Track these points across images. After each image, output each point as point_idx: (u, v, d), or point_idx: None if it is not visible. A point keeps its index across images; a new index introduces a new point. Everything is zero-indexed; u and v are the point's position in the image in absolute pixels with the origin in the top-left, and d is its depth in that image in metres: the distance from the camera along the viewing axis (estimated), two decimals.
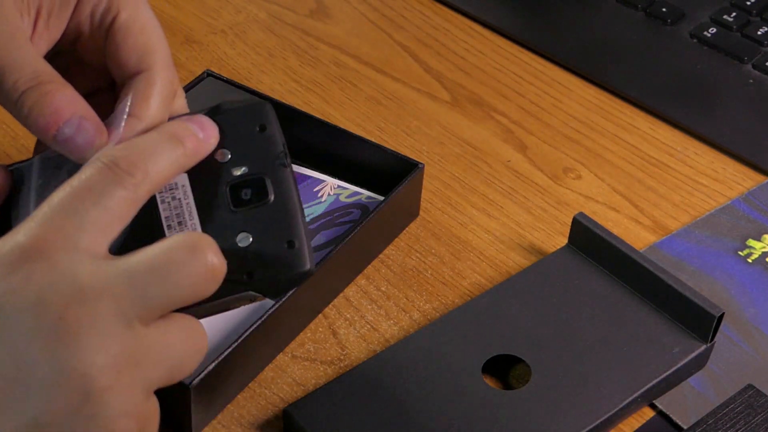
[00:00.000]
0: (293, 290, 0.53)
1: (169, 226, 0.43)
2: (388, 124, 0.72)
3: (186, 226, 0.43)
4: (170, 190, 0.43)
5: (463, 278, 0.62)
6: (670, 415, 0.55)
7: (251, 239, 0.43)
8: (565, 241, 0.61)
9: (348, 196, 0.64)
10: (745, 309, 0.60)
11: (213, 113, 0.45)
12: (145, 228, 0.43)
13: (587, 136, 0.72)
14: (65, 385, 0.37)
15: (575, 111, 0.74)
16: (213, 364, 0.51)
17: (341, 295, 0.61)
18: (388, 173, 0.63)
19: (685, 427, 0.54)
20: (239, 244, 0.43)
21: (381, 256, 0.63)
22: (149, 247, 0.39)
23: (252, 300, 0.43)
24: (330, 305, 0.60)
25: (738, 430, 0.53)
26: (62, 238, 0.39)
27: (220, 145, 0.44)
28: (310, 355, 0.57)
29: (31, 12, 0.48)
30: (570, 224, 0.60)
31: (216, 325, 0.55)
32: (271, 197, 0.43)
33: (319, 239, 0.61)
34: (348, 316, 0.60)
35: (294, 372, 0.57)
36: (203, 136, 0.43)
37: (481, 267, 0.63)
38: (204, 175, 0.44)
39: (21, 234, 0.39)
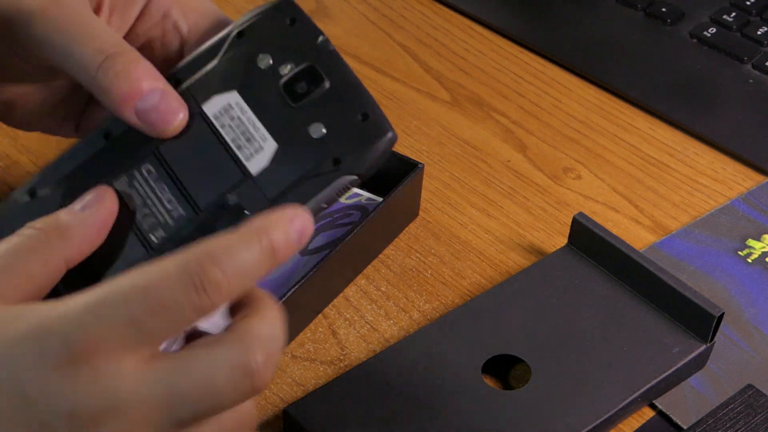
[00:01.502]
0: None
1: (238, 147, 0.42)
2: None
3: (255, 139, 0.42)
4: (226, 112, 0.42)
5: (463, 278, 0.62)
6: (670, 415, 0.55)
7: (323, 127, 0.42)
8: (565, 241, 0.61)
9: (348, 198, 0.64)
10: (745, 309, 0.60)
11: (239, 26, 0.44)
12: (213, 153, 0.42)
13: (587, 136, 0.72)
14: None
15: (575, 111, 0.74)
16: None
17: (341, 295, 0.61)
18: (387, 173, 0.63)
19: (685, 427, 0.54)
20: (314, 136, 0.42)
21: (381, 256, 0.63)
22: (198, 350, 0.37)
23: (350, 186, 0.42)
24: (330, 305, 0.60)
25: (738, 430, 0.53)
26: (114, 343, 0.36)
27: (260, 52, 0.43)
28: (310, 355, 0.57)
29: (93, 2, 0.47)
30: (570, 224, 0.60)
31: (216, 325, 0.55)
32: (327, 81, 0.42)
33: (319, 240, 0.61)
34: (348, 316, 0.60)
35: (294, 372, 0.57)
36: (297, 245, 0.39)
37: (481, 267, 0.63)
38: (255, 86, 0.43)
39: (74, 327, 0.36)
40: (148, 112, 0.43)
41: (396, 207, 0.62)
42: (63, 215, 0.41)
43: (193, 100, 0.43)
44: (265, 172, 0.42)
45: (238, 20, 0.44)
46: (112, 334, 0.36)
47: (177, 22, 0.48)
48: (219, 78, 0.43)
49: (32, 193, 0.44)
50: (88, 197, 0.42)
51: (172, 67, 0.45)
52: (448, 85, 0.76)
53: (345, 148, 0.42)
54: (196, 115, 0.42)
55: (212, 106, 0.42)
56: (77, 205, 0.42)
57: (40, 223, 0.41)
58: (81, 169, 0.43)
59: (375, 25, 0.82)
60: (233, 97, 0.42)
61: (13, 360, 0.36)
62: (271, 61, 0.43)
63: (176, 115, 0.43)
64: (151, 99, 0.43)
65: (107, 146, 0.43)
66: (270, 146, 0.42)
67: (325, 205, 0.42)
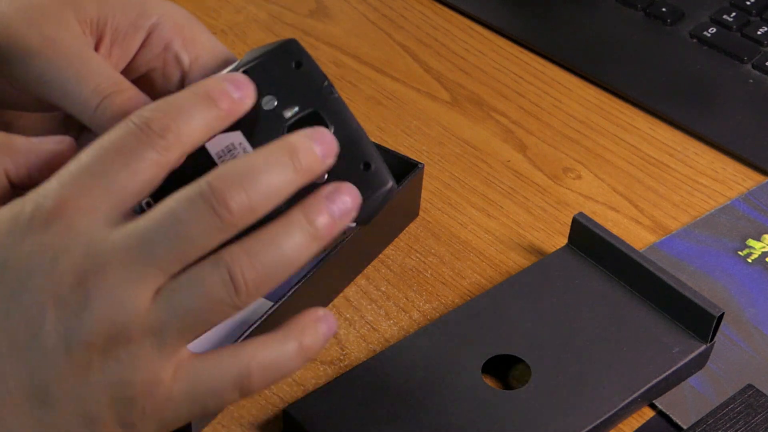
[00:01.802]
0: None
1: None
2: (387, 124, 0.72)
3: None
4: (229, 152, 0.42)
5: (463, 278, 0.62)
6: (670, 415, 0.55)
7: (326, 174, 0.42)
8: (565, 241, 0.61)
9: None
10: (745, 309, 0.60)
11: (245, 65, 0.44)
12: None
13: (587, 136, 0.72)
14: (74, 355, 0.37)
15: (575, 111, 0.74)
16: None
17: (341, 295, 0.61)
18: None
19: (685, 427, 0.54)
20: (316, 182, 0.42)
21: (381, 256, 0.63)
22: (164, 200, 0.39)
23: (347, 234, 0.42)
24: (330, 305, 0.60)
25: (738, 430, 0.53)
26: (85, 201, 0.38)
27: (264, 93, 0.43)
28: None
29: (94, 35, 0.47)
30: (570, 224, 0.60)
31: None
32: (331, 127, 0.43)
33: None
34: (348, 316, 0.60)
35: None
36: (238, 96, 0.41)
37: (481, 267, 0.63)
38: (257, 127, 0.43)
39: (44, 195, 0.38)
40: None
41: (396, 207, 0.62)
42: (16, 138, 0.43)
43: None
44: (265, 216, 0.41)
45: (244, 58, 0.44)
46: (82, 196, 0.38)
47: (178, 54, 0.48)
48: None
49: None
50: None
51: None
52: (448, 85, 0.76)
53: None
54: (199, 152, 0.42)
55: (215, 145, 0.42)
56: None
57: None
58: None
59: (375, 25, 0.82)
60: (237, 137, 0.42)
61: None
62: (275, 103, 0.43)
63: None
64: None
65: None
66: None
67: (322, 251, 0.42)
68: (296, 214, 0.40)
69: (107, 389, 0.38)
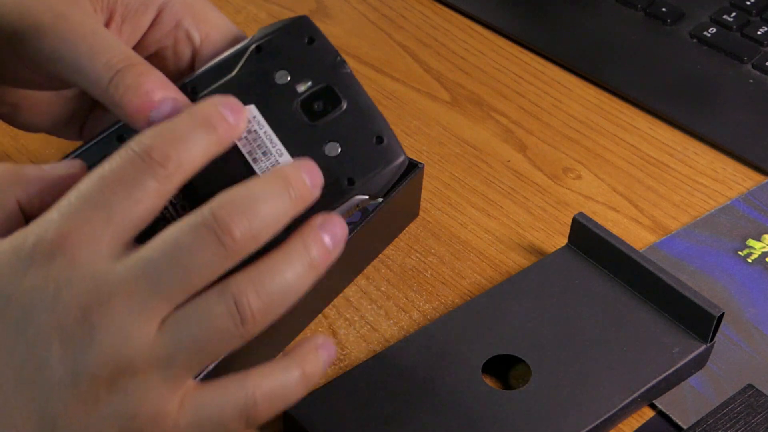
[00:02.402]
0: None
1: (254, 159, 0.42)
2: None
3: (271, 153, 0.42)
4: None
5: (463, 278, 0.62)
6: (670, 415, 0.55)
7: (339, 147, 0.43)
8: (565, 241, 0.61)
9: None
10: (745, 309, 0.60)
11: (258, 40, 0.44)
12: (232, 169, 0.42)
13: (587, 136, 0.72)
14: (81, 388, 0.37)
15: (575, 111, 0.74)
16: (213, 365, 0.51)
17: (341, 295, 0.61)
18: None
19: (685, 427, 0.54)
20: (330, 155, 0.43)
21: (381, 256, 0.63)
22: (166, 229, 0.38)
23: (359, 206, 0.43)
24: (330, 305, 0.60)
25: (738, 430, 0.53)
26: (87, 232, 0.38)
27: (277, 67, 0.43)
28: None
29: (105, 12, 0.47)
30: (570, 224, 0.60)
31: None
32: (344, 102, 0.43)
33: None
34: (348, 316, 0.60)
35: None
36: (233, 121, 0.41)
37: (481, 267, 0.63)
38: (272, 102, 0.43)
39: (45, 227, 0.38)
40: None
41: (396, 207, 0.62)
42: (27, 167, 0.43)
43: None
44: None
45: (256, 34, 0.45)
46: (83, 227, 0.38)
47: (189, 31, 0.48)
48: (236, 91, 0.43)
49: None
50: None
51: (184, 77, 0.45)
52: (448, 85, 0.76)
53: (359, 168, 0.43)
54: None
55: None
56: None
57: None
58: None
59: (375, 25, 0.82)
60: (251, 111, 0.43)
61: None
62: (288, 78, 0.44)
63: None
64: (164, 109, 0.43)
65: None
66: (286, 161, 0.42)
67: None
68: (295, 244, 0.40)
69: (114, 422, 0.38)
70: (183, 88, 0.44)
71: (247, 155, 0.42)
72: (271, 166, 0.42)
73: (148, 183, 0.38)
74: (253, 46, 0.44)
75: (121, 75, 0.43)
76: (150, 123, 0.43)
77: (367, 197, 0.43)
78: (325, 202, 0.42)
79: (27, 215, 0.42)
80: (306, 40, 0.44)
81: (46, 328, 0.37)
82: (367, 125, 0.43)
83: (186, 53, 0.49)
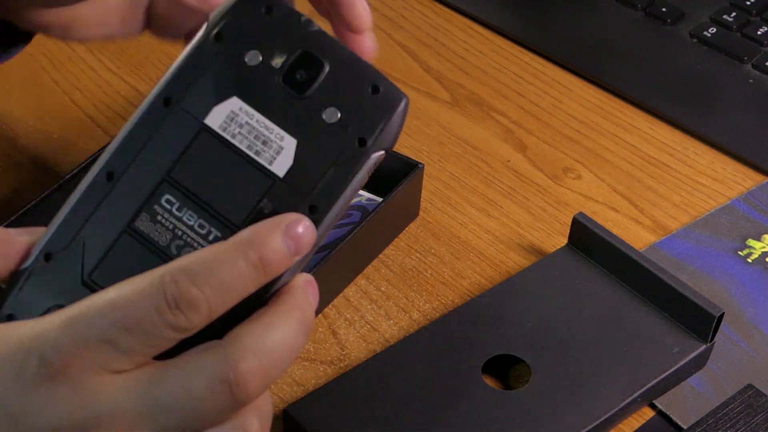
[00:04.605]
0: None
1: (257, 153, 0.40)
2: None
3: (271, 141, 0.40)
4: (232, 120, 0.40)
5: (463, 278, 0.62)
6: (670, 415, 0.55)
7: (338, 111, 0.40)
8: (565, 241, 0.61)
9: None
10: (745, 309, 0.60)
11: (214, 26, 0.41)
12: (232, 166, 0.40)
13: (587, 136, 0.72)
14: None
15: (575, 111, 0.74)
16: None
17: (341, 295, 0.61)
18: (387, 173, 0.63)
19: (685, 427, 0.54)
20: (331, 121, 0.40)
21: (381, 256, 0.63)
22: (182, 358, 0.37)
23: (377, 163, 0.41)
24: (330, 305, 0.60)
25: (738, 430, 0.53)
26: (91, 360, 0.36)
27: (245, 49, 0.41)
28: (310, 355, 0.57)
29: None
30: (570, 224, 0.60)
31: None
32: (326, 62, 0.41)
33: None
34: (348, 316, 0.60)
35: (294, 372, 0.57)
36: (292, 252, 0.38)
37: (481, 267, 0.63)
38: (252, 87, 0.41)
39: (51, 347, 0.36)
40: None
41: (396, 207, 0.62)
42: None
43: (192, 117, 0.41)
44: (293, 170, 0.40)
45: (210, 20, 0.41)
46: (86, 351, 0.36)
47: None
48: (211, 88, 0.41)
49: (47, 255, 0.41)
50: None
51: (154, 88, 0.43)
52: (448, 85, 0.76)
53: (366, 125, 0.40)
54: (202, 131, 0.40)
55: (215, 118, 0.40)
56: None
57: None
58: (95, 219, 0.41)
59: (375, 25, 0.81)
60: (235, 104, 0.40)
61: None
62: (260, 57, 0.41)
63: None
64: None
65: (114, 188, 0.41)
66: (290, 144, 0.40)
67: (359, 188, 0.41)
68: (296, 340, 0.38)
69: None
70: (155, 102, 0.41)
71: (247, 150, 0.40)
72: (276, 154, 0.40)
73: (167, 333, 0.36)
74: (212, 35, 0.41)
75: None
76: None
77: (383, 152, 0.41)
78: (345, 171, 0.39)
79: None
80: (263, 10, 0.41)
81: None
82: (357, 79, 0.40)
83: None
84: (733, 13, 0.79)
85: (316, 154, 0.40)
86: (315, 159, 0.40)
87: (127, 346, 0.36)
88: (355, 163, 0.40)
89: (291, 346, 0.38)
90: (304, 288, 0.39)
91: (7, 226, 0.59)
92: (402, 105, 0.41)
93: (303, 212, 0.39)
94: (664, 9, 0.80)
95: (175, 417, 0.36)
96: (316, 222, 0.39)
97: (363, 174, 0.40)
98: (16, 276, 0.40)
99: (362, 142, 0.40)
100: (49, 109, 0.73)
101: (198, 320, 0.36)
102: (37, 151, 0.69)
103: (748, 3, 0.79)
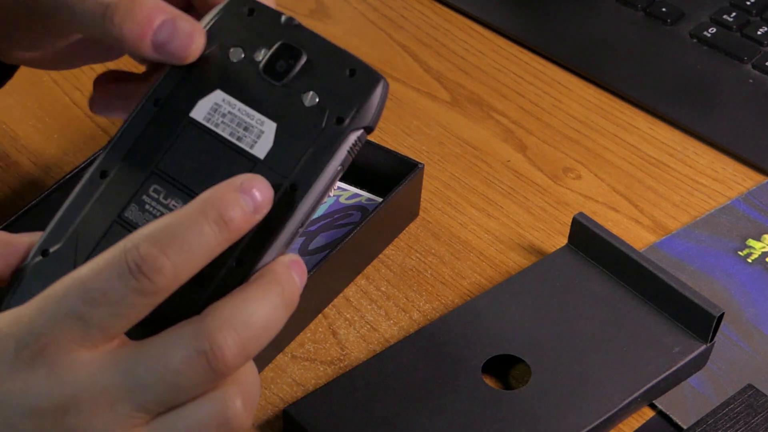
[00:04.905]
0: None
1: (238, 138, 0.42)
2: (387, 124, 0.72)
3: (252, 126, 0.42)
4: (215, 111, 0.42)
5: (463, 278, 0.62)
6: (670, 415, 0.55)
7: (316, 95, 0.42)
8: (565, 241, 0.61)
9: (348, 198, 0.64)
10: (745, 309, 0.60)
11: (204, 22, 0.43)
12: (216, 153, 0.42)
13: (587, 136, 0.72)
14: None
15: (575, 111, 0.74)
16: None
17: (341, 295, 0.61)
18: (387, 173, 0.63)
19: (685, 427, 0.54)
20: (309, 105, 0.42)
21: (381, 256, 0.63)
22: (158, 338, 0.37)
23: (360, 142, 0.43)
24: (330, 305, 0.60)
25: (738, 430, 0.53)
26: (65, 340, 0.36)
27: (228, 47, 0.43)
28: (310, 355, 0.57)
29: None
30: (570, 224, 0.60)
31: None
32: (303, 52, 0.43)
33: (318, 241, 0.61)
34: (348, 316, 0.60)
35: (294, 372, 0.57)
36: (254, 206, 0.38)
37: (481, 267, 0.63)
38: (235, 81, 0.43)
39: (27, 330, 0.37)
40: (166, 45, 0.42)
41: (396, 207, 0.62)
42: None
43: (179, 112, 0.43)
44: (273, 152, 0.42)
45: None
46: (59, 330, 0.36)
47: None
48: (197, 84, 0.43)
49: (44, 252, 0.42)
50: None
51: (145, 92, 0.45)
52: (448, 85, 0.76)
53: (343, 106, 0.42)
54: (188, 124, 0.42)
55: (200, 111, 0.43)
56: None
57: None
58: (88, 214, 0.42)
59: (375, 25, 0.82)
60: (218, 96, 0.43)
61: None
62: (243, 54, 0.43)
63: (193, 38, 0.42)
64: (165, 31, 0.42)
65: (107, 183, 0.43)
66: (269, 127, 0.42)
67: (341, 168, 0.42)
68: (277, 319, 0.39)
69: None
70: (146, 105, 0.43)
71: (229, 137, 0.42)
72: (257, 138, 0.42)
73: (134, 299, 0.36)
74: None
75: (114, 8, 0.42)
76: (154, 49, 0.42)
77: (362, 130, 0.42)
78: (324, 150, 0.41)
79: None
80: (246, 13, 0.44)
81: None
82: (335, 64, 0.43)
83: None
84: (733, 13, 0.79)
85: (295, 135, 0.42)
86: (294, 140, 0.42)
87: (97, 319, 0.36)
88: (334, 141, 0.42)
89: (269, 318, 0.38)
90: (287, 265, 0.40)
91: (7, 226, 0.59)
92: (380, 86, 0.43)
93: (285, 190, 0.41)
94: (664, 9, 0.80)
95: (154, 391, 0.37)
96: (298, 199, 0.41)
97: (343, 152, 0.42)
98: (16, 275, 0.41)
99: (340, 120, 0.42)
100: (49, 109, 0.73)
101: (163, 282, 0.36)
102: (37, 151, 0.69)
103: (748, 3, 0.79)
